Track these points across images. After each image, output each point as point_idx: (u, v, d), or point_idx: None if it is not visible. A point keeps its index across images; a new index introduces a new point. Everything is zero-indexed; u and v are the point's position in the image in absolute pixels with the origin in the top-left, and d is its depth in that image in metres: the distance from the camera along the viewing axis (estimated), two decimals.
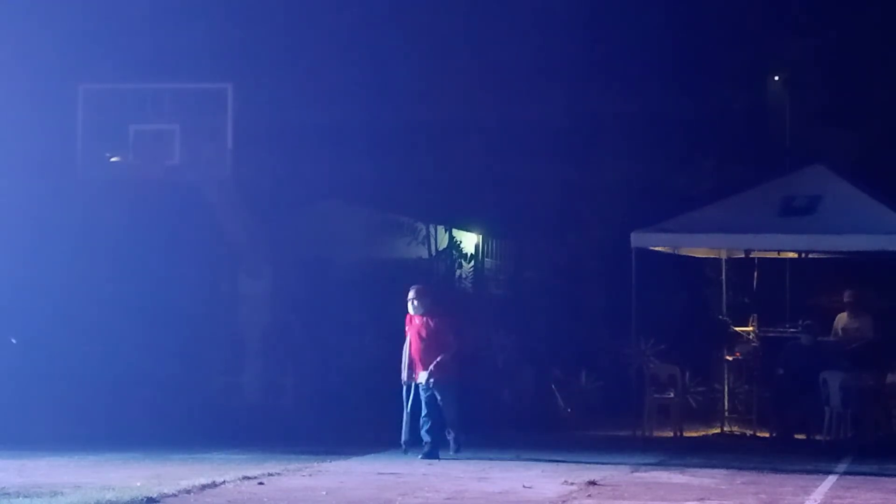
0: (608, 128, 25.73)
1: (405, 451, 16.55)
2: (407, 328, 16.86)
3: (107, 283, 20.69)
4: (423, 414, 16.64)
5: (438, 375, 16.59)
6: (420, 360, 16.67)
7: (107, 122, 22.18)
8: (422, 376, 16.57)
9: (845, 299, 20.61)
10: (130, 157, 22.20)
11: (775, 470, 15.64)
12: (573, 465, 15.62)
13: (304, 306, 22.32)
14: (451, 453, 16.55)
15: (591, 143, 25.72)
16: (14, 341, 19.98)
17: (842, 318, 20.52)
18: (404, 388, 16.82)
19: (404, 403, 16.77)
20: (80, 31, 21.98)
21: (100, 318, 20.42)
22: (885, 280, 21.28)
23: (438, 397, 16.61)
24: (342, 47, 24.39)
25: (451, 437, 16.73)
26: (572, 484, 13.81)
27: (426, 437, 16.59)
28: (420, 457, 16.34)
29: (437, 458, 16.34)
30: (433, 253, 24.19)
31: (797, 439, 19.66)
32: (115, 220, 20.95)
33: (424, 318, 16.71)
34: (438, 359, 16.55)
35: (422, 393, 16.67)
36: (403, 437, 16.71)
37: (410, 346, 16.77)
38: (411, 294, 16.80)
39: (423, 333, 16.67)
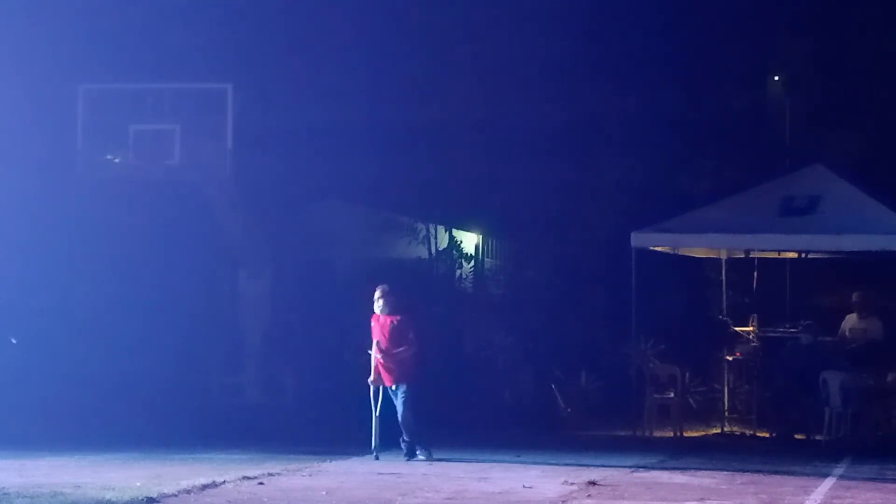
0: (608, 128, 25.74)
1: (376, 458, 16.13)
2: (373, 329, 16.52)
3: (107, 283, 20.69)
4: (376, 414, 16.31)
5: (397, 373, 16.28)
6: (384, 360, 16.36)
7: (107, 122, 22.19)
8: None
9: (853, 300, 20.49)
10: (130, 157, 22.20)
11: (775, 470, 15.63)
12: (573, 465, 15.60)
13: (304, 306, 22.32)
14: (403, 458, 16.12)
15: (591, 143, 25.73)
16: (14, 341, 19.97)
17: (850, 319, 20.40)
18: (371, 390, 16.44)
19: (372, 407, 16.40)
20: (80, 31, 21.99)
21: (100, 317, 20.42)
22: (885, 280, 21.26)
23: (398, 400, 16.28)
24: (342, 47, 24.40)
25: (405, 440, 16.30)
26: (572, 484, 13.81)
27: (405, 439, 16.28)
28: (405, 459, 16.11)
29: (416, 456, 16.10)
30: (433, 253, 24.20)
31: (797, 439, 19.65)
32: (115, 220, 20.93)
33: (388, 318, 16.40)
34: (397, 351, 16.20)
35: (374, 394, 16.39)
36: (374, 443, 16.29)
37: (377, 347, 16.45)
38: (377, 294, 16.43)
39: (387, 333, 16.34)
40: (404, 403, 16.24)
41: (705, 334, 22.06)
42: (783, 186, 20.80)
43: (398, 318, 16.41)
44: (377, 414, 16.40)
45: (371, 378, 16.43)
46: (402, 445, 16.31)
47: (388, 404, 16.43)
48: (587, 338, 23.28)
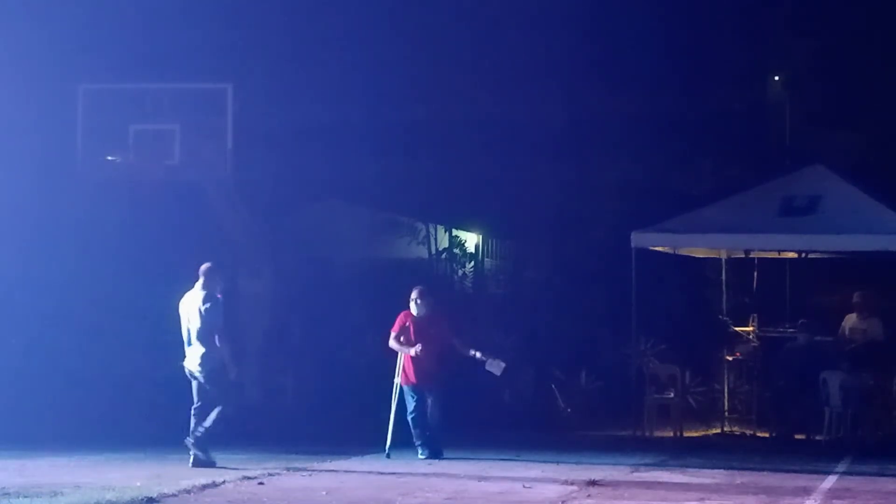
0: (608, 128, 25.76)
1: (388, 456, 16.21)
2: (406, 327, 16.56)
3: (107, 282, 20.67)
4: (413, 414, 16.44)
5: (438, 377, 16.45)
6: (417, 362, 16.42)
7: (107, 122, 22.18)
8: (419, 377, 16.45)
9: (854, 300, 20.45)
10: (130, 157, 22.20)
11: (775, 470, 15.63)
12: (573, 465, 15.61)
13: (304, 306, 22.31)
14: (420, 457, 16.29)
15: (591, 143, 25.75)
16: (14, 341, 19.95)
17: (850, 319, 20.37)
18: (395, 389, 16.52)
19: (392, 406, 16.47)
20: (80, 31, 21.97)
21: (100, 318, 20.40)
22: (885, 280, 21.27)
23: (430, 399, 16.40)
24: (342, 47, 24.42)
25: (430, 439, 16.42)
26: (572, 484, 13.82)
27: (426, 437, 16.44)
28: (425, 457, 16.22)
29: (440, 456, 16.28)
30: (433, 253, 24.21)
31: (797, 439, 19.65)
32: (114, 220, 20.92)
33: (426, 320, 16.53)
34: (444, 365, 16.42)
35: (409, 394, 16.50)
36: (388, 442, 16.36)
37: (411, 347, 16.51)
38: (415, 294, 16.52)
39: (425, 336, 16.44)
40: (440, 406, 16.37)
41: (705, 334, 22.06)
42: (783, 186, 20.79)
43: (437, 322, 16.49)
44: (395, 412, 16.47)
45: (404, 377, 16.50)
46: (423, 444, 16.35)
47: (399, 404, 16.52)
48: (587, 338, 23.27)
